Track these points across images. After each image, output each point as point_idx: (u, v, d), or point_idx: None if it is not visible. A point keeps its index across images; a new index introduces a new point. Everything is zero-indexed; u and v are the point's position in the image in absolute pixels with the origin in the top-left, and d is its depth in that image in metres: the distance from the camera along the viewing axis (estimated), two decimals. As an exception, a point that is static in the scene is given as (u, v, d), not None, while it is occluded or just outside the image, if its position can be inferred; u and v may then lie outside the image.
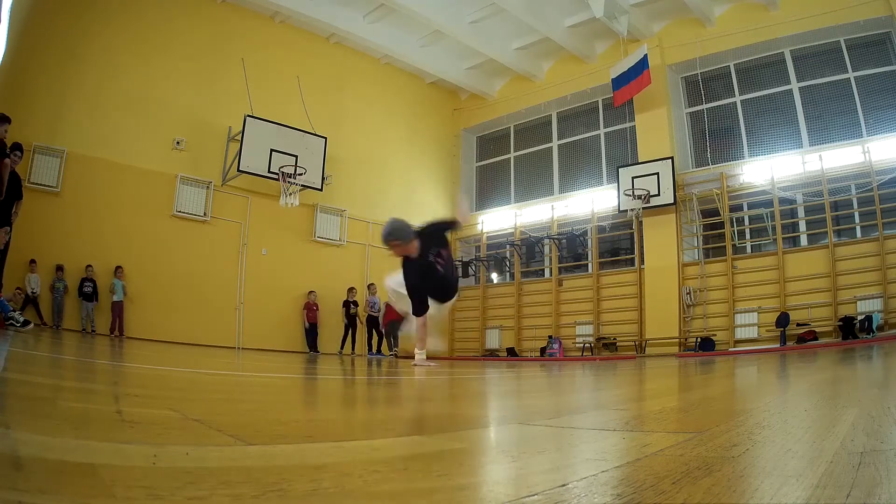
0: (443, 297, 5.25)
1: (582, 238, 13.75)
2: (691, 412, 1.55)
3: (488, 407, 1.97)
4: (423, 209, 15.15)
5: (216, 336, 10.79)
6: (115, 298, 9.88)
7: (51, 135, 9.65)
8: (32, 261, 9.09)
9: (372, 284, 12.90)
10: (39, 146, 9.46)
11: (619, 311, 12.84)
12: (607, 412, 1.61)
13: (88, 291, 9.63)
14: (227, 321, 11.31)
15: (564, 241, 13.91)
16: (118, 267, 9.95)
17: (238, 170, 11.14)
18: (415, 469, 0.76)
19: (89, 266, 9.68)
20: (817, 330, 10.09)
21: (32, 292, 9.00)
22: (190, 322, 10.55)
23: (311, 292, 12.30)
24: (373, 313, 12.61)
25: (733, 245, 11.56)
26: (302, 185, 11.78)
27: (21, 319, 6.22)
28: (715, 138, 12.46)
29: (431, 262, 5.05)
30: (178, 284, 10.69)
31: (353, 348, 12.45)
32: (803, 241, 11.20)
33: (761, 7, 11.52)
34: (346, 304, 12.57)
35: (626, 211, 12.58)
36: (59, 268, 9.36)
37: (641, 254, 12.74)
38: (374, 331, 12.56)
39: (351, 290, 12.64)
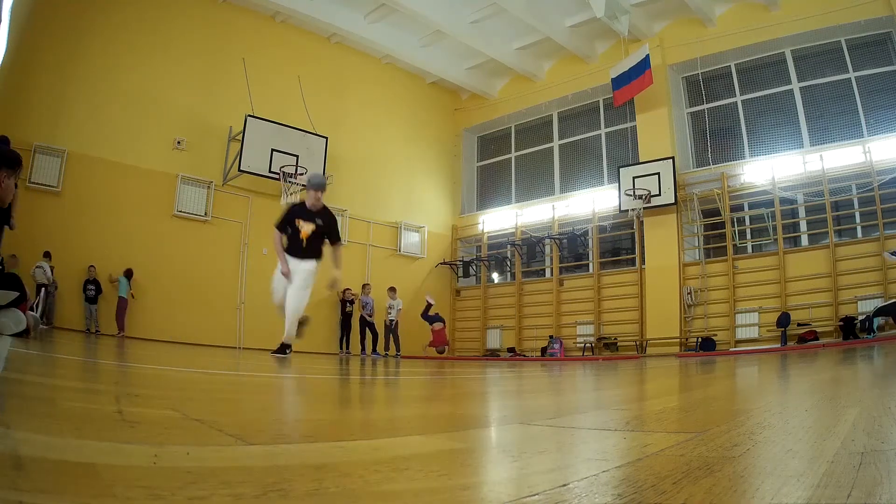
0: None
1: (583, 238, 13.74)
2: (692, 412, 1.55)
3: (489, 407, 1.97)
4: (424, 209, 15.17)
5: (217, 336, 10.80)
6: (120, 294, 9.90)
7: (51, 135, 9.65)
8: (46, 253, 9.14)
9: (367, 285, 12.91)
10: (40, 146, 9.47)
11: (619, 311, 12.84)
12: (608, 412, 1.61)
13: (91, 294, 9.62)
14: (228, 321, 11.32)
15: (565, 240, 13.91)
16: (128, 269, 10.00)
17: (239, 170, 11.15)
18: (415, 469, 0.76)
19: (92, 267, 9.68)
20: (818, 330, 10.09)
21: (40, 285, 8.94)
22: (191, 322, 10.56)
23: (346, 289, 12.50)
24: (365, 314, 12.61)
25: (734, 245, 11.56)
26: (303, 185, 11.77)
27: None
28: (716, 138, 12.46)
29: None
30: (179, 284, 10.70)
31: (348, 347, 12.45)
32: (804, 241, 11.19)
33: (762, 7, 11.52)
34: (343, 302, 12.59)
35: (627, 211, 12.58)
36: (50, 268, 9.32)
37: (642, 254, 12.74)
38: (367, 330, 12.57)
39: (346, 290, 12.66)
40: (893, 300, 8.81)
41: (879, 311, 8.27)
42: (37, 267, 8.81)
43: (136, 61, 10.68)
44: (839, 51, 11.03)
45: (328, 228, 6.02)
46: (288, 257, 5.89)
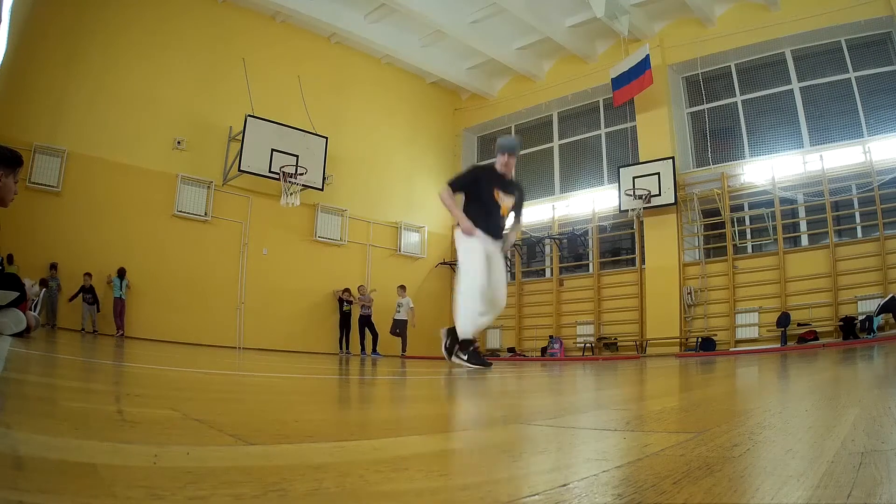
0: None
1: (583, 238, 13.75)
2: (692, 412, 1.55)
3: (489, 407, 1.97)
4: (424, 209, 15.17)
5: (217, 336, 10.81)
6: (115, 295, 9.89)
7: (51, 135, 9.66)
8: (53, 266, 9.16)
9: (362, 286, 12.92)
10: (40, 146, 9.47)
11: (619, 311, 12.84)
12: (608, 412, 1.61)
13: (89, 300, 9.60)
14: (227, 321, 11.32)
15: (565, 240, 13.92)
16: (121, 268, 9.95)
17: (239, 170, 11.16)
18: (415, 469, 0.76)
19: (88, 274, 9.56)
20: (818, 330, 10.09)
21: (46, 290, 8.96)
22: (191, 322, 10.56)
23: (345, 290, 12.59)
24: (365, 303, 12.63)
25: (734, 245, 11.56)
26: (303, 185, 11.79)
27: None
28: (716, 138, 12.46)
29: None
30: (179, 284, 10.71)
31: (347, 347, 12.46)
32: (804, 241, 11.20)
33: (762, 7, 11.52)
34: (341, 302, 12.60)
35: (627, 211, 12.58)
36: (53, 266, 9.33)
37: (642, 254, 12.74)
38: (366, 330, 12.58)
39: (345, 290, 12.67)
40: (892, 295, 8.79)
41: (882, 309, 8.21)
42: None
43: (136, 61, 10.68)
44: (839, 51, 11.04)
45: (520, 204, 5.12)
46: (483, 235, 4.77)
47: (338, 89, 13.64)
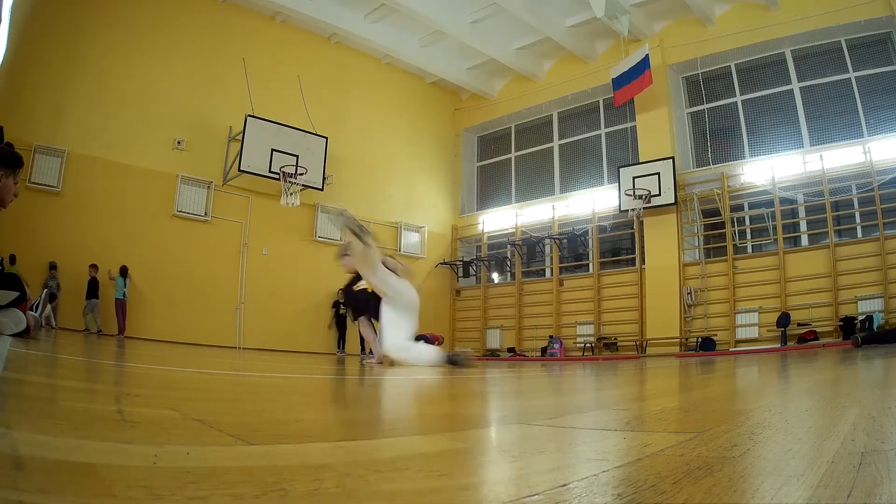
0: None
1: (583, 238, 13.74)
2: (692, 412, 1.55)
3: (489, 407, 1.97)
4: (424, 209, 15.18)
5: (217, 336, 10.80)
6: (117, 296, 9.88)
7: (51, 135, 9.66)
8: (53, 266, 9.16)
9: (365, 286, 12.89)
10: (40, 146, 9.47)
11: (619, 311, 12.84)
12: (608, 412, 1.61)
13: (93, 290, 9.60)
14: (227, 321, 11.32)
15: (565, 240, 13.91)
16: (123, 266, 9.95)
17: (239, 170, 11.16)
18: (415, 469, 0.76)
19: (93, 266, 9.60)
20: (818, 330, 10.09)
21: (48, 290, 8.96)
22: (191, 322, 10.56)
23: (340, 291, 12.50)
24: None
25: (734, 245, 11.56)
26: (303, 185, 11.79)
27: None
28: (716, 138, 12.46)
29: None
30: (179, 284, 10.70)
31: (343, 347, 12.45)
32: (804, 241, 11.20)
33: (762, 7, 11.52)
34: (336, 304, 12.57)
35: (627, 211, 12.58)
36: (53, 266, 9.32)
37: (642, 254, 12.74)
38: None
39: (340, 290, 12.64)
40: (882, 330, 8.83)
41: (866, 340, 8.17)
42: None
43: (137, 61, 10.68)
44: (839, 51, 11.04)
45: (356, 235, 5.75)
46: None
47: (338, 89, 13.64)
